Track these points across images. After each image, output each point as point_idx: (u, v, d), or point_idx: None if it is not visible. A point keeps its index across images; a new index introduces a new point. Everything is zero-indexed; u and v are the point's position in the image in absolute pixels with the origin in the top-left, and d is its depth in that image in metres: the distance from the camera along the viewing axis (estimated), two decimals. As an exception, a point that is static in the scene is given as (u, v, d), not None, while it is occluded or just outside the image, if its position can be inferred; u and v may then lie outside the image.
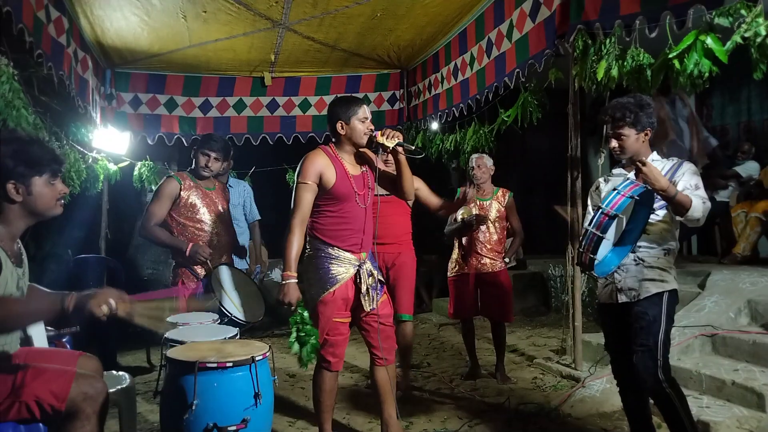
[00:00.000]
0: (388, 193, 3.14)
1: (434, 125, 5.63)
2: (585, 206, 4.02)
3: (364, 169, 2.86)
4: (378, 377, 2.87)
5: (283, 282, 2.64)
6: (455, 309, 4.19)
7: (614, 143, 2.52)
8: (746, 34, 2.55)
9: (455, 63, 4.92)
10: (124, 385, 2.54)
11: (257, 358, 2.21)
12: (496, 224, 4.13)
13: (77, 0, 3.95)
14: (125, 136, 5.47)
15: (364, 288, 2.74)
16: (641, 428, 2.61)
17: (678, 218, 2.41)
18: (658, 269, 2.45)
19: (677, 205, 2.31)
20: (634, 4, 2.95)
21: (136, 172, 5.81)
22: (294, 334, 2.65)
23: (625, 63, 3.09)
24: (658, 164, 2.49)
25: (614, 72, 3.12)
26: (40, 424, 1.96)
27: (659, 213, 2.45)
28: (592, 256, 2.29)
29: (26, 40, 3.10)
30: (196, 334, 2.70)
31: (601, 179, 2.74)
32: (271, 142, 5.94)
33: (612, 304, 2.54)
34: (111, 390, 2.10)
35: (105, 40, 4.72)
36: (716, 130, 6.67)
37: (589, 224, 2.29)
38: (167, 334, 2.65)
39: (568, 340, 4.18)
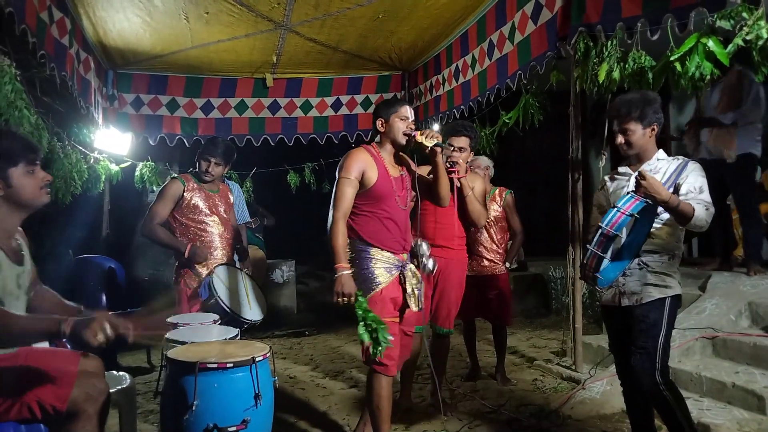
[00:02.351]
0: None
1: (435, 127, 5.64)
2: (586, 207, 4.04)
3: (403, 172, 2.84)
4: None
5: (337, 274, 2.56)
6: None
7: (620, 139, 2.48)
8: (748, 37, 2.55)
9: (456, 65, 4.92)
10: (124, 386, 2.55)
11: (258, 359, 2.21)
12: (496, 225, 4.13)
13: (80, 1, 3.95)
14: (127, 137, 5.48)
15: (409, 288, 2.71)
16: (643, 430, 2.61)
17: (681, 227, 2.39)
18: (661, 274, 2.43)
19: (679, 215, 2.28)
20: (635, 6, 2.95)
21: (137, 173, 5.82)
22: (362, 325, 2.52)
23: (627, 65, 3.10)
24: (663, 164, 2.47)
25: (616, 74, 3.13)
26: (41, 425, 1.96)
27: (663, 217, 2.42)
28: (595, 274, 2.30)
29: (29, 40, 3.11)
30: (197, 334, 2.70)
31: (606, 177, 2.70)
32: (272, 143, 5.94)
33: (615, 307, 2.53)
34: (111, 390, 2.10)
35: (107, 41, 4.73)
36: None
37: (591, 243, 2.26)
38: (168, 335, 2.66)
39: (569, 342, 4.18)
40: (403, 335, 2.83)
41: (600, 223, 2.24)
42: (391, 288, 2.69)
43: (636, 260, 2.44)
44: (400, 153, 2.85)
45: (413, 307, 2.73)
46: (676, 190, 2.36)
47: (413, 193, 2.88)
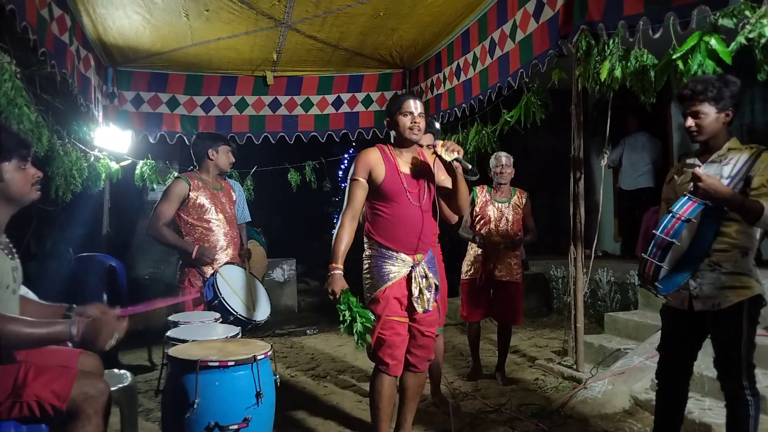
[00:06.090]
0: None
1: (436, 125, 5.62)
2: (588, 206, 4.03)
3: (420, 167, 2.78)
4: (409, 382, 2.83)
5: (330, 273, 2.62)
6: (468, 312, 4.14)
7: (690, 122, 2.23)
8: (750, 35, 2.54)
9: (458, 63, 4.91)
10: (125, 384, 2.54)
11: (259, 357, 2.21)
12: (514, 227, 4.09)
13: (80, -2, 3.95)
14: (127, 135, 5.47)
15: (416, 291, 2.68)
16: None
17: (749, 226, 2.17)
18: (737, 275, 2.22)
19: (745, 214, 2.08)
20: (637, 4, 2.94)
21: (137, 171, 5.81)
22: (343, 319, 2.57)
23: (629, 64, 3.09)
24: (734, 153, 2.24)
25: (617, 73, 3.12)
26: (42, 425, 1.95)
27: (731, 213, 2.19)
28: (655, 283, 2.17)
29: (30, 38, 3.09)
30: (198, 333, 2.70)
31: (673, 170, 2.50)
32: (273, 141, 5.94)
33: (683, 311, 2.33)
34: (112, 388, 2.09)
35: (107, 38, 4.72)
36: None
37: (646, 252, 2.13)
38: (169, 333, 2.66)
39: (570, 342, 4.17)
40: (421, 336, 2.77)
41: (654, 230, 2.10)
42: (396, 287, 2.67)
43: (706, 260, 2.23)
44: (419, 147, 2.80)
45: (418, 309, 2.69)
46: (747, 183, 2.15)
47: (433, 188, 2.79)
